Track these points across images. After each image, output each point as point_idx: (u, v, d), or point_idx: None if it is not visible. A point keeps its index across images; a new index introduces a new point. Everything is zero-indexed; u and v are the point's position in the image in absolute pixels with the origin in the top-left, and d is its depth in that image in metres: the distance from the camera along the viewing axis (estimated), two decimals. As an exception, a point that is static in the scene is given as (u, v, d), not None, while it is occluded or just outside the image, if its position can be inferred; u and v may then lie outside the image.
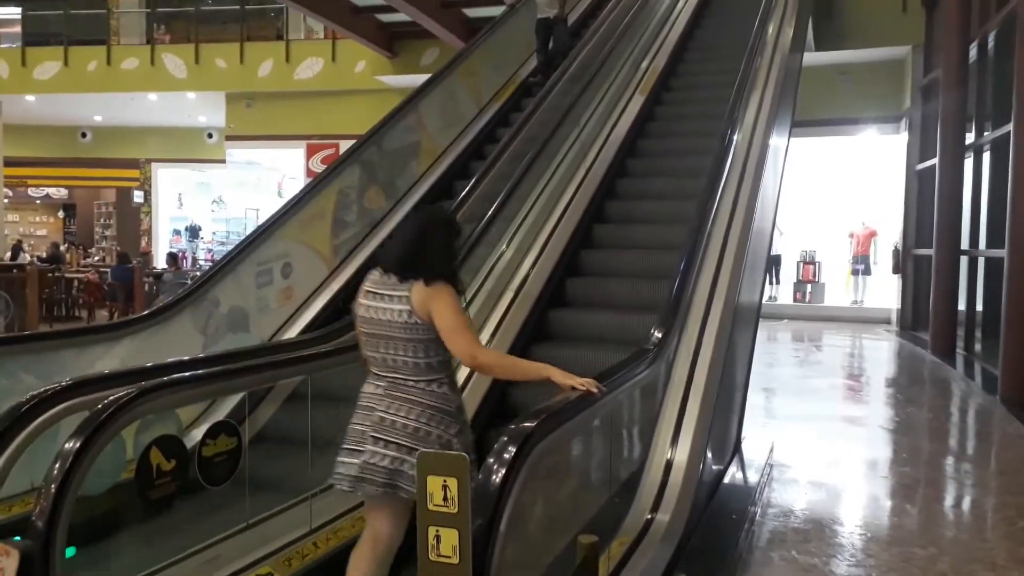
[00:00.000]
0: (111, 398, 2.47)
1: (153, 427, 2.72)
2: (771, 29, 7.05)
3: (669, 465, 3.51)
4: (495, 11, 10.57)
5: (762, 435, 5.52)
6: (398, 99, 7.77)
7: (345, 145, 13.92)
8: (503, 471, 1.88)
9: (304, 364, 3.43)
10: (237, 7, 16.68)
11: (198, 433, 3.03)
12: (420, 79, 7.88)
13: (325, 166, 7.12)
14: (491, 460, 1.93)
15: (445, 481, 1.58)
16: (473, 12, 13.14)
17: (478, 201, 5.12)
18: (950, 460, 5.37)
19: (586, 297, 5.15)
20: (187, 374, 2.93)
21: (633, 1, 7.93)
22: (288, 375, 3.50)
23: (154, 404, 2.62)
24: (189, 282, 8.28)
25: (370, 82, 15.09)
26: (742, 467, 4.80)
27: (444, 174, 6.71)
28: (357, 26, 13.55)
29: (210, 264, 15.27)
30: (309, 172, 15.94)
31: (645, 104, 7.07)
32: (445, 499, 1.60)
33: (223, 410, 4.06)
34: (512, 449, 1.95)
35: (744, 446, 5.01)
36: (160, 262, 16.55)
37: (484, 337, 4.59)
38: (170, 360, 3.34)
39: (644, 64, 7.71)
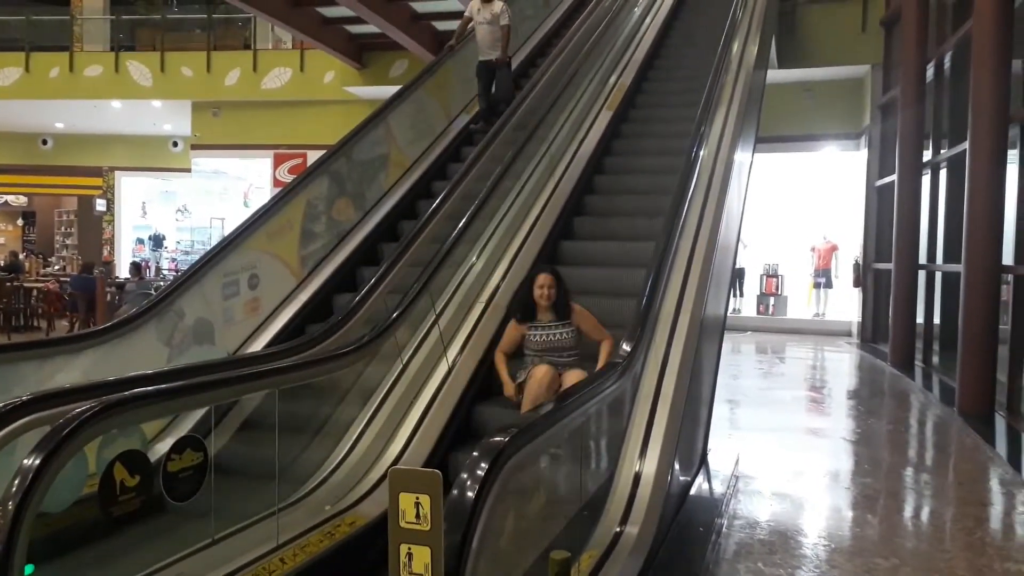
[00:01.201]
0: (73, 413, 2.42)
1: (116, 442, 2.67)
2: (736, 47, 7.19)
3: (637, 478, 3.54)
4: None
5: (728, 446, 5.60)
6: (367, 110, 7.78)
7: (313, 155, 13.90)
8: (476, 487, 1.88)
9: (271, 378, 3.40)
10: (204, 16, 16.53)
11: (163, 446, 2.99)
12: (389, 91, 7.86)
13: (293, 175, 7.08)
14: (463, 476, 1.93)
15: (418, 498, 1.58)
16: (443, 25, 13.19)
17: (444, 219, 5.14)
18: (910, 471, 5.48)
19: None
20: (151, 388, 2.88)
21: (588, 36, 7.66)
22: (255, 389, 3.45)
23: (117, 419, 2.57)
24: (153, 292, 8.14)
25: (338, 93, 15.05)
26: (708, 479, 4.85)
27: (414, 186, 6.71)
28: (326, 37, 13.52)
29: (174, 274, 15.07)
30: (276, 182, 15.82)
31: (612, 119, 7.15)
32: (417, 516, 1.59)
33: (188, 422, 4.01)
34: (484, 465, 1.95)
35: (710, 458, 5.07)
36: (123, 271, 16.26)
37: (453, 350, 4.60)
38: (133, 374, 3.28)
39: (612, 79, 7.80)
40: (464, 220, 4.97)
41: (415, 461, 3.99)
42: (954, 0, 9.11)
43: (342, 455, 4.01)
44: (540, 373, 4.13)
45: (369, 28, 12.96)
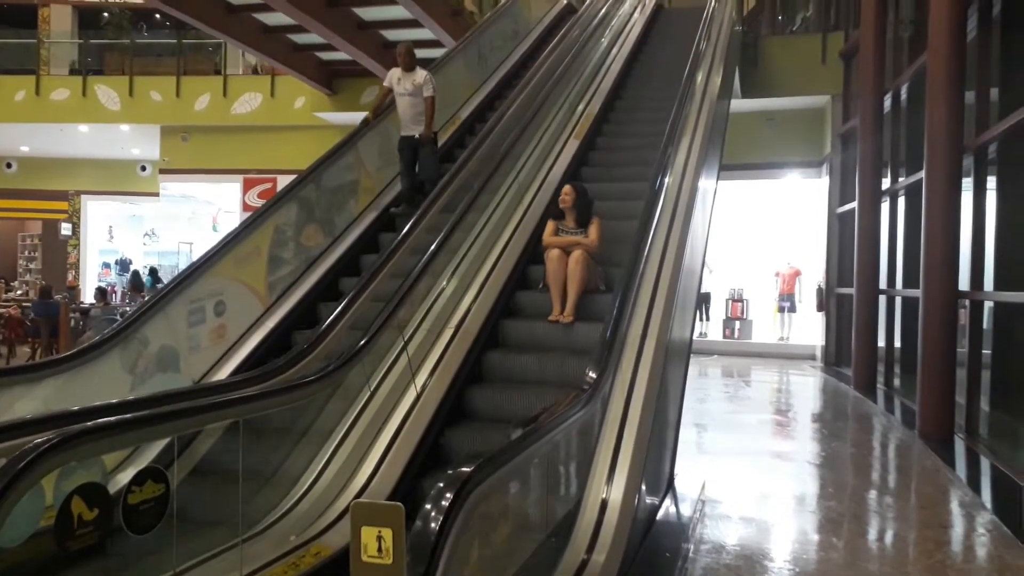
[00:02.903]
0: (30, 445, 2.39)
1: (75, 473, 2.63)
2: (700, 78, 7.34)
3: (604, 504, 3.56)
4: (435, 53, 10.70)
5: (695, 470, 5.64)
6: (337, 136, 7.78)
7: (283, 180, 13.86)
8: (440, 519, 1.88)
9: (236, 407, 3.37)
10: (174, 41, 16.49)
11: (125, 476, 2.94)
12: (359, 116, 7.84)
13: (262, 200, 7.01)
14: (428, 507, 1.92)
15: (380, 532, 1.58)
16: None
17: (408, 252, 5.16)
18: (873, 494, 5.57)
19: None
20: (112, 419, 2.85)
21: (555, 67, 7.61)
22: (219, 419, 3.43)
23: (76, 452, 2.54)
24: (118, 318, 8.01)
25: (309, 118, 15.05)
26: (675, 503, 4.88)
27: (383, 212, 6.73)
28: (297, 63, 13.54)
29: (140, 299, 14.82)
30: (246, 206, 15.72)
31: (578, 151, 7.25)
32: (380, 550, 1.59)
33: (152, 451, 3.95)
34: (449, 495, 1.95)
35: (677, 482, 5.11)
36: (88, 296, 15.98)
37: (423, 375, 4.60)
38: (95, 404, 3.23)
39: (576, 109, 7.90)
40: (433, 247, 4.99)
41: (383, 488, 3.97)
42: (909, 34, 9.42)
43: (308, 483, 3.97)
44: (553, 257, 5.24)
45: (340, 55, 13.00)
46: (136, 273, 15.09)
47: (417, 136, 6.68)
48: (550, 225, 5.55)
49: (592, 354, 3.85)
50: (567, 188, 5.54)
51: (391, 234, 6.06)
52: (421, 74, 6.71)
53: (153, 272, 16.25)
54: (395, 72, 6.81)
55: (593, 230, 5.41)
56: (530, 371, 4.85)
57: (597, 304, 5.19)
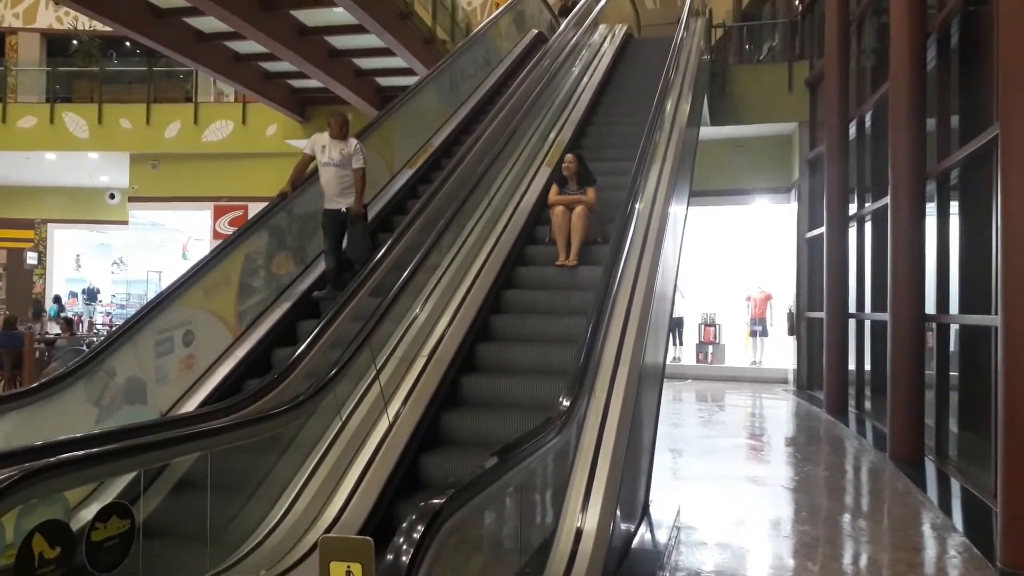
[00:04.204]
0: (-9, 482, 2.33)
1: (36, 511, 2.56)
2: (669, 106, 7.45)
3: (579, 533, 3.53)
4: (408, 81, 10.78)
5: (670, 496, 5.63)
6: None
7: (254, 207, 13.75)
8: (410, 551, 1.85)
9: (203, 440, 3.31)
10: (144, 68, 16.41)
11: (89, 512, 2.87)
12: (332, 145, 7.78)
13: (233, 228, 6.90)
14: (399, 540, 1.89)
15: (349, 567, 1.56)
16: (386, 81, 13.36)
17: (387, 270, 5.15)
18: (847, 517, 5.59)
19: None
20: (77, 454, 2.78)
21: (527, 95, 7.60)
22: (186, 452, 3.36)
23: (38, 488, 2.47)
24: (85, 348, 7.85)
25: (281, 146, 15.01)
26: (651, 530, 4.86)
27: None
28: (269, 91, 13.54)
29: (108, 328, 14.59)
30: (216, 234, 15.59)
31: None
32: (348, 585, 1.57)
33: (117, 485, 3.85)
34: (420, 528, 1.92)
35: (652, 508, 5.09)
36: (53, 326, 15.68)
37: (396, 404, 4.57)
38: (58, 439, 3.16)
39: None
40: (407, 271, 4.98)
41: (355, 519, 3.92)
42: (872, 63, 9.66)
43: (279, 516, 3.91)
44: (558, 212, 6.16)
45: (312, 83, 13.04)
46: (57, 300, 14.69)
47: (345, 210, 6.05)
48: (554, 188, 6.45)
49: (566, 380, 3.84)
50: (569, 156, 6.50)
51: (312, 321, 5.42)
52: (352, 143, 6.16)
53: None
54: (320, 138, 6.21)
55: (591, 191, 6.32)
56: (540, 304, 5.82)
57: (596, 253, 6.06)
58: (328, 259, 6.04)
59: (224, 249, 5.62)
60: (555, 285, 6.02)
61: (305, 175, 6.35)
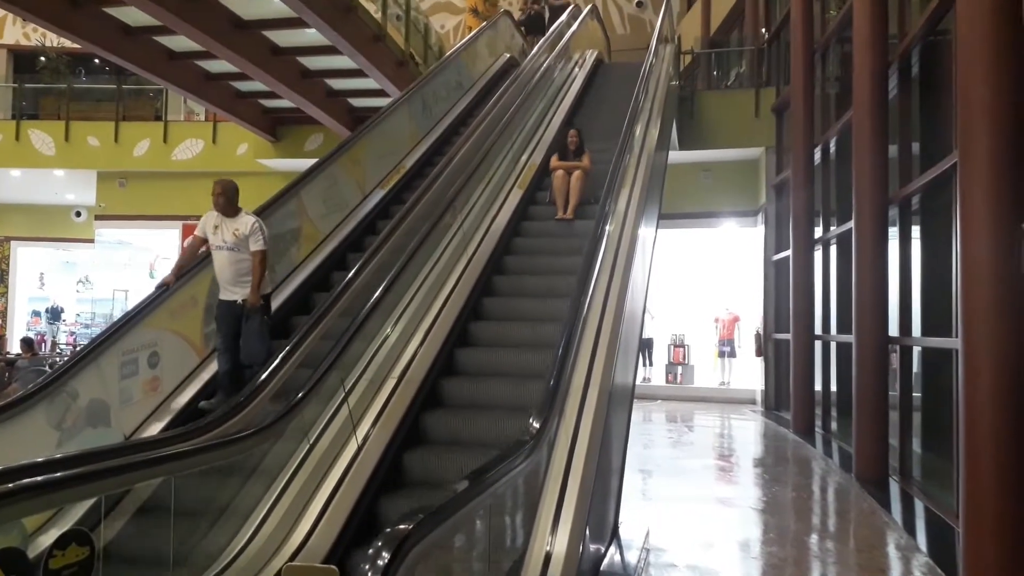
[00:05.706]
0: (-55, 510, 2.27)
1: (-8, 538, 2.50)
2: (638, 130, 7.56)
3: (548, 557, 3.52)
4: (380, 102, 10.80)
5: (639, 517, 5.64)
6: (281, 182, 7.71)
7: (223, 227, 13.59)
8: (376, 579, 1.83)
9: (167, 464, 3.26)
10: (113, 86, 16.24)
11: (47, 538, 2.80)
12: (304, 164, 7.77)
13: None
14: (365, 567, 1.88)
15: (311, 594, 1.54)
16: (358, 102, 13.36)
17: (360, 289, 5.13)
18: (814, 538, 5.65)
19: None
20: (37, 479, 2.72)
21: (499, 119, 7.64)
22: (149, 476, 3.30)
23: (-5, 515, 2.42)
24: (47, 369, 7.68)
25: (252, 165, 14.93)
26: (620, 551, 4.85)
27: (324, 261, 6.68)
28: (240, 110, 13.47)
29: (72, 348, 14.30)
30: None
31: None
32: (310, 613, 1.55)
33: (78, 511, 3.77)
34: (386, 555, 1.90)
35: (622, 529, 5.08)
36: (14, 347, 15.32)
37: (364, 425, 4.53)
38: (17, 464, 3.08)
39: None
40: (380, 290, 4.97)
41: (322, 545, 3.86)
42: (836, 91, 9.89)
43: (244, 541, 3.84)
44: (559, 176, 7.51)
45: (283, 102, 12.99)
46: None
47: (241, 302, 5.11)
48: (554, 156, 7.78)
49: (535, 404, 3.84)
50: (572, 132, 7.88)
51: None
52: (246, 221, 5.21)
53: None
54: (210, 217, 5.27)
55: (586, 156, 7.69)
56: (545, 248, 7.00)
57: (589, 210, 7.21)
58: (220, 360, 5.12)
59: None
60: (556, 234, 7.34)
61: (194, 262, 5.48)
